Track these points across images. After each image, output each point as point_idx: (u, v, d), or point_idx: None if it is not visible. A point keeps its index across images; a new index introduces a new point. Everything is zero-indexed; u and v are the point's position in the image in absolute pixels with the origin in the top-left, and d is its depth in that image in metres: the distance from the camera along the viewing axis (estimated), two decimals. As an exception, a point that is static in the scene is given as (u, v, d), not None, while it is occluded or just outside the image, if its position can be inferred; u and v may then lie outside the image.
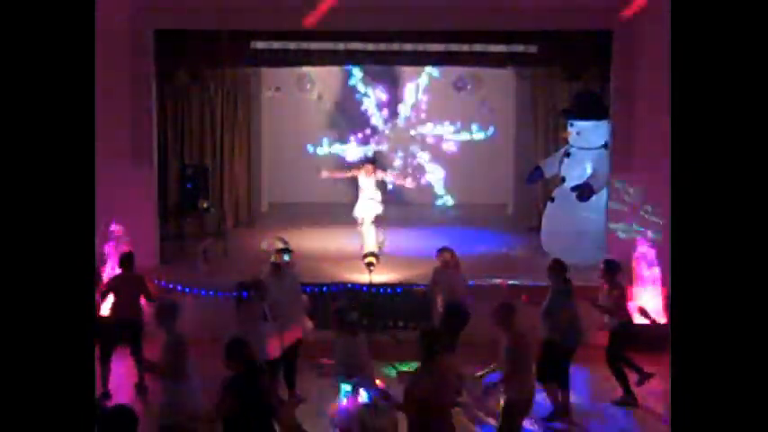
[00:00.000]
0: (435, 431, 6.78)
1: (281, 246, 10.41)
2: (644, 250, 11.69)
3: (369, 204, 13.57)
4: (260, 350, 8.23)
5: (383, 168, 14.55)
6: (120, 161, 12.14)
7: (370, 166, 13.72)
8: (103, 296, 10.05)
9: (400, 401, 6.95)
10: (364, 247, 13.16)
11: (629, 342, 9.87)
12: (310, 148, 16.71)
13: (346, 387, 7.75)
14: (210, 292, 11.56)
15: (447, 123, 16.89)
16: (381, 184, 14.03)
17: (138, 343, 9.93)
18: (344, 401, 7.69)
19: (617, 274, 9.84)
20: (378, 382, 7.86)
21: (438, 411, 6.76)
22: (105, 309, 10.26)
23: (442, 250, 10.46)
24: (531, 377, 7.88)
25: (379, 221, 13.71)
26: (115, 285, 10.06)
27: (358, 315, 8.27)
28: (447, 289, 10.20)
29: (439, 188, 17.14)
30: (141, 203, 12.50)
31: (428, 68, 16.37)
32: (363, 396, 7.55)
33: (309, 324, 9.67)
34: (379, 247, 13.32)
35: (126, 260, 10.18)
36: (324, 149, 16.76)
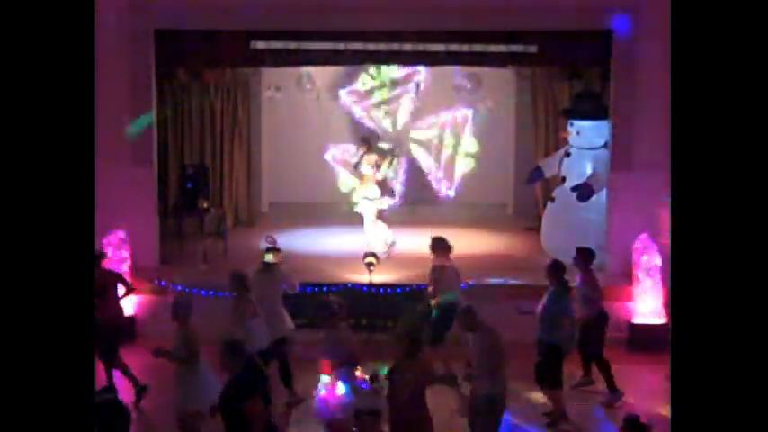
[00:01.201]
0: (417, 423, 6.87)
1: (267, 245, 10.43)
2: (645, 252, 11.67)
3: (368, 198, 13.61)
4: (249, 343, 8.33)
5: (376, 153, 14.04)
6: (120, 161, 12.15)
7: (363, 146, 13.71)
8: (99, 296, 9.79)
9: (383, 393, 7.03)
10: (368, 246, 13.25)
11: (603, 332, 9.89)
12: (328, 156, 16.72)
13: (325, 379, 7.78)
14: (210, 292, 11.56)
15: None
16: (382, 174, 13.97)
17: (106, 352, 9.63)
18: (323, 393, 7.70)
19: (590, 262, 9.89)
20: (358, 373, 7.84)
21: (420, 403, 6.86)
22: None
23: (441, 243, 10.40)
24: (502, 375, 7.83)
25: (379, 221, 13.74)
26: (104, 284, 9.73)
27: (339, 306, 8.32)
28: (445, 285, 10.25)
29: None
30: (141, 203, 12.51)
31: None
32: (341, 387, 7.57)
33: (290, 324, 9.72)
34: (387, 248, 13.32)
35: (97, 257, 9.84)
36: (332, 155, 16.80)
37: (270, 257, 9.79)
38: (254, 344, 8.42)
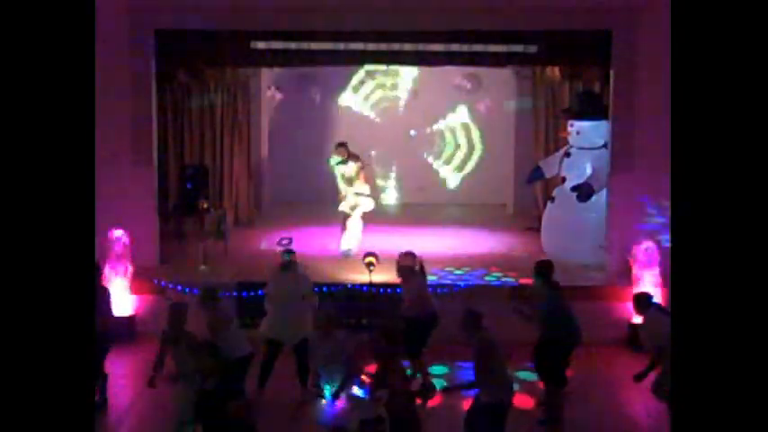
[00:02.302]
0: (413, 421, 6.97)
1: (282, 247, 10.46)
2: (644, 249, 11.67)
3: (354, 199, 13.36)
4: (228, 350, 8.30)
5: (354, 155, 13.59)
6: (120, 161, 12.16)
7: (342, 149, 13.33)
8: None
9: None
10: (341, 243, 13.23)
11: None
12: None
13: (329, 388, 7.74)
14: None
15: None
16: (368, 177, 13.69)
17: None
18: (327, 402, 7.67)
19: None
20: (364, 378, 7.80)
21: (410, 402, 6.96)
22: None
23: (409, 255, 10.13)
24: (506, 379, 7.85)
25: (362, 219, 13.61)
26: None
27: (335, 312, 8.27)
28: (416, 293, 9.97)
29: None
30: (141, 203, 12.50)
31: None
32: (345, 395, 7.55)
33: (311, 325, 9.73)
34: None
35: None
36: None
37: (288, 257, 9.85)
38: (232, 353, 8.41)
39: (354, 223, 13.46)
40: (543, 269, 9.37)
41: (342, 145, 13.54)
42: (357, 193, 13.47)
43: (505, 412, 7.74)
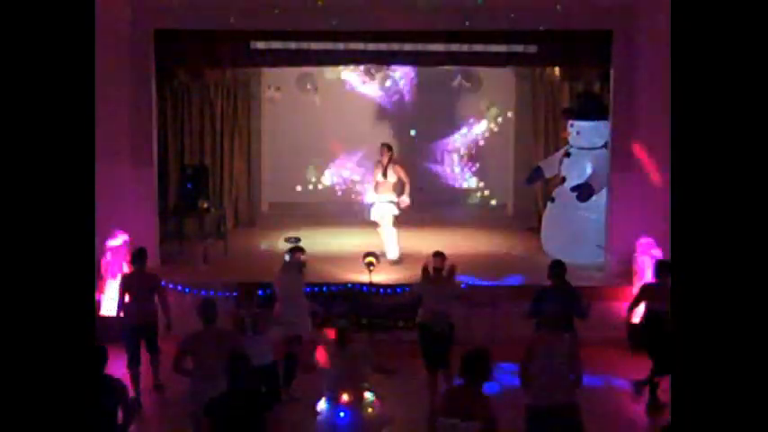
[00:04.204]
0: None
1: (290, 244, 10.43)
2: (645, 253, 11.68)
3: (386, 206, 13.27)
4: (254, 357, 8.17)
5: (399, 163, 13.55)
6: (120, 161, 12.17)
7: (385, 150, 13.24)
8: (121, 297, 9.73)
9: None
10: (387, 253, 13.07)
11: None
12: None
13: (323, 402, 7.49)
14: (210, 292, 11.55)
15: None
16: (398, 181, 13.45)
17: (154, 344, 9.72)
18: (322, 414, 7.48)
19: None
20: (345, 397, 7.34)
21: None
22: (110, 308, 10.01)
23: (439, 255, 9.57)
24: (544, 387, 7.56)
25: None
26: (129, 284, 9.73)
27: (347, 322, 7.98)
28: (435, 300, 9.38)
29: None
30: (141, 203, 12.51)
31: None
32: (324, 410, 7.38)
33: (309, 325, 9.73)
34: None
35: (139, 257, 9.80)
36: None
37: (287, 257, 9.85)
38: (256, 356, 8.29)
39: (390, 232, 13.29)
40: (555, 270, 9.31)
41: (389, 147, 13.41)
42: (389, 200, 13.29)
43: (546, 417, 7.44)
